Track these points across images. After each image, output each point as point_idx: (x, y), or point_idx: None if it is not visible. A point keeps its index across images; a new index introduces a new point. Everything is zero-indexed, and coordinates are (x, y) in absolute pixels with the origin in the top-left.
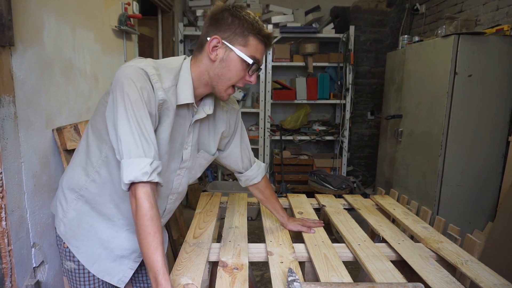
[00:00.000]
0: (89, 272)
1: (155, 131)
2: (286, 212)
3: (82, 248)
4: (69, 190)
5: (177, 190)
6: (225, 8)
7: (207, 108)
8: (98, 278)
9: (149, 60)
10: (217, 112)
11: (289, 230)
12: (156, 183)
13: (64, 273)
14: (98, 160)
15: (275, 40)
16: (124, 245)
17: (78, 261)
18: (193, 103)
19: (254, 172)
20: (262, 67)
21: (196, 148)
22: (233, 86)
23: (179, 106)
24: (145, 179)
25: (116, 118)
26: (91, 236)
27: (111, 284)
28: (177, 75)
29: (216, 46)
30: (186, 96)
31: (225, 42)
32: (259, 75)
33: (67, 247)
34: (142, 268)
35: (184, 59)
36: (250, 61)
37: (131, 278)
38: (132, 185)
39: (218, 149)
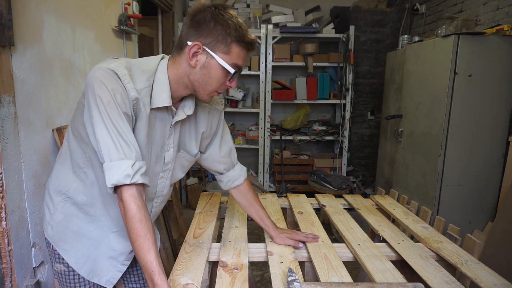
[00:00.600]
0: (78, 274)
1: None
2: (272, 221)
3: (70, 250)
4: (56, 193)
5: (162, 193)
6: (206, 8)
7: (187, 109)
8: (88, 280)
9: (122, 60)
10: (199, 112)
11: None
12: (143, 184)
13: (54, 275)
14: (84, 161)
15: (275, 40)
16: (112, 246)
17: (67, 263)
18: (170, 106)
19: (237, 173)
20: (262, 67)
21: (177, 149)
22: (217, 92)
23: (158, 109)
24: (127, 182)
25: (92, 122)
26: (79, 238)
27: (101, 286)
28: (151, 76)
29: (196, 52)
30: (163, 99)
31: (206, 49)
32: (258, 75)
33: (55, 250)
34: (133, 268)
35: (162, 58)
36: (232, 71)
37: (123, 278)
38: (117, 188)
39: (199, 151)
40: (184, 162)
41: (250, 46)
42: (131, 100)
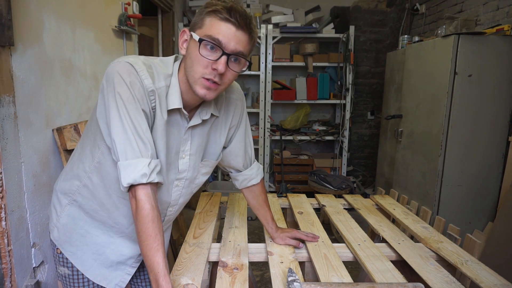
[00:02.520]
0: (83, 277)
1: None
2: (276, 224)
3: (77, 253)
4: (63, 194)
5: (177, 201)
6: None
7: (203, 113)
8: (93, 282)
9: (142, 57)
10: (227, 107)
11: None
12: (157, 183)
13: (58, 277)
14: (90, 166)
15: (275, 40)
16: (120, 251)
17: (72, 266)
18: (181, 108)
19: (254, 171)
20: (262, 67)
21: (199, 157)
22: (206, 79)
23: (172, 114)
24: (144, 181)
25: (109, 118)
26: (86, 241)
27: None
28: (168, 78)
29: (186, 40)
30: (173, 100)
31: (190, 32)
32: (258, 75)
33: (61, 253)
34: (140, 270)
35: (175, 60)
36: (197, 38)
37: (130, 282)
38: (132, 187)
39: (224, 146)
40: (207, 169)
41: (228, 14)
42: (148, 92)
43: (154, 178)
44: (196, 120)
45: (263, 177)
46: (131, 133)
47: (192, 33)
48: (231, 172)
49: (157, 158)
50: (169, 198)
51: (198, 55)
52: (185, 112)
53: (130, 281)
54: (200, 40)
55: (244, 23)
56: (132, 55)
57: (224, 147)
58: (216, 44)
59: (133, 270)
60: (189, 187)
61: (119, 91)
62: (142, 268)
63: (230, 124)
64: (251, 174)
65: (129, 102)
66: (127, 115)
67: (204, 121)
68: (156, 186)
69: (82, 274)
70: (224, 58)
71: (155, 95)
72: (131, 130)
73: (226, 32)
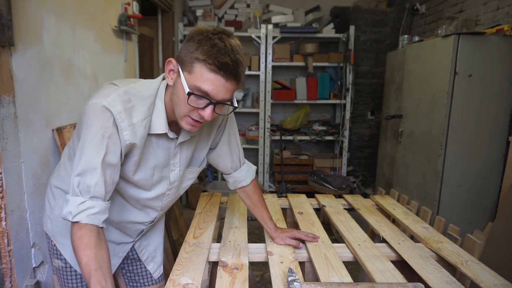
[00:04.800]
0: (76, 270)
1: (123, 165)
2: (274, 223)
3: (68, 245)
4: (57, 188)
5: (167, 205)
6: (203, 30)
7: None
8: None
9: (120, 91)
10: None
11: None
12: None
13: (53, 271)
14: None
15: (275, 40)
16: (109, 237)
17: (65, 258)
18: (166, 133)
19: (243, 173)
20: (262, 67)
21: (186, 166)
22: (192, 119)
23: (158, 134)
24: (69, 219)
25: (76, 152)
26: None
27: None
28: (152, 104)
29: (172, 70)
30: (158, 125)
31: (178, 65)
32: (258, 75)
33: (54, 245)
34: (128, 258)
35: (163, 79)
36: (187, 90)
37: (119, 267)
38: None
39: (210, 148)
40: (192, 174)
41: (218, 68)
42: (125, 144)
43: (81, 219)
44: (184, 136)
45: (255, 177)
46: (78, 173)
47: (181, 72)
48: (224, 174)
49: (107, 200)
50: (160, 204)
51: (186, 101)
52: (170, 135)
53: (121, 273)
54: (189, 94)
55: (233, 74)
56: (112, 88)
57: (211, 149)
58: (204, 96)
59: (119, 260)
60: (177, 193)
61: (89, 131)
62: (133, 260)
63: (216, 129)
64: (240, 176)
65: (92, 143)
66: (84, 157)
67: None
68: (91, 225)
69: (74, 267)
70: (211, 107)
71: (135, 143)
72: (80, 171)
73: (215, 84)
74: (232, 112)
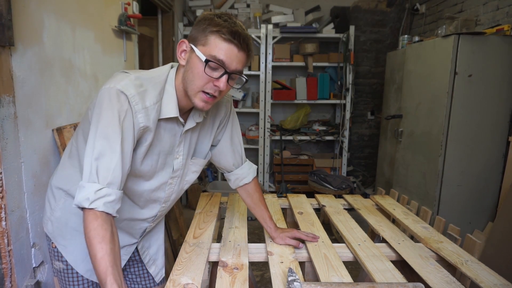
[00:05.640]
0: (77, 272)
1: (134, 150)
2: (274, 223)
3: (69, 247)
4: (58, 189)
5: (170, 198)
6: (208, 14)
7: (196, 116)
8: (87, 278)
9: (132, 75)
10: (213, 110)
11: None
12: (105, 212)
13: (54, 273)
14: (81, 164)
15: (275, 40)
16: None
17: (66, 260)
18: (177, 116)
19: (245, 171)
20: (262, 67)
21: (189, 156)
22: (205, 93)
23: (167, 119)
24: (86, 206)
25: (88, 139)
26: (78, 235)
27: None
28: (162, 89)
29: (185, 50)
30: (170, 110)
31: (190, 44)
32: (258, 75)
33: (55, 247)
34: (130, 259)
35: (171, 67)
36: (203, 58)
37: (125, 277)
38: (83, 209)
39: (212, 145)
40: (196, 167)
41: (231, 36)
42: (139, 126)
43: (98, 206)
44: (190, 124)
45: (256, 176)
46: (95, 158)
47: (194, 47)
48: (225, 172)
49: (120, 189)
50: (163, 195)
51: (201, 72)
52: (181, 119)
53: (123, 274)
54: (207, 61)
55: (246, 45)
56: (123, 74)
57: (214, 146)
58: (220, 65)
59: (122, 263)
60: (180, 184)
61: (104, 115)
62: (135, 262)
63: (218, 124)
64: (242, 173)
65: (108, 128)
66: (100, 141)
67: (197, 123)
68: (107, 215)
69: (75, 269)
70: (225, 76)
71: (149, 126)
72: (98, 155)
73: (229, 53)
74: (235, 111)
